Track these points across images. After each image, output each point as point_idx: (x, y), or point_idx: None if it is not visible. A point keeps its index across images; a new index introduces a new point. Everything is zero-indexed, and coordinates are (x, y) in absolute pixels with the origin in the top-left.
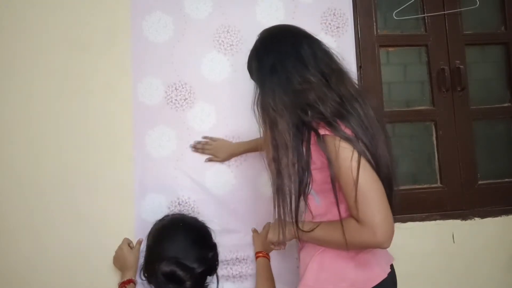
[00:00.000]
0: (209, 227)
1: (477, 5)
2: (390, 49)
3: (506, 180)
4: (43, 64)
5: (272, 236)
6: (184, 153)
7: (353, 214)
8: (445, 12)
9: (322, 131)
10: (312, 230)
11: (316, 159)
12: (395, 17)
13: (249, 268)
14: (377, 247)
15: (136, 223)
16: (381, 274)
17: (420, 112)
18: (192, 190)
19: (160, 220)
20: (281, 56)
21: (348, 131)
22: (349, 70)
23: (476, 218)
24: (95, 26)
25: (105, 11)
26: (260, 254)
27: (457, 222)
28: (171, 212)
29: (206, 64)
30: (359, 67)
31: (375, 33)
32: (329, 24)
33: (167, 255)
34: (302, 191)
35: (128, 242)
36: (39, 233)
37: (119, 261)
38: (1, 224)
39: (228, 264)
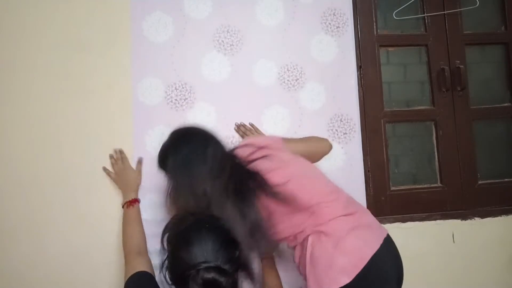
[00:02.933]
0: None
1: (477, 5)
2: (390, 49)
3: (506, 180)
4: (43, 64)
5: None
6: None
7: None
8: (445, 12)
9: None
10: None
11: None
12: (395, 17)
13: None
14: None
15: None
16: (368, 253)
17: (420, 112)
18: None
19: (178, 222)
20: (188, 159)
21: None
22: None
23: (476, 218)
24: (95, 26)
25: (105, 11)
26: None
27: (457, 222)
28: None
29: (206, 64)
30: (359, 67)
31: (375, 33)
32: (329, 24)
33: (198, 260)
34: None
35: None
36: (39, 233)
37: (123, 181)
38: (2, 223)
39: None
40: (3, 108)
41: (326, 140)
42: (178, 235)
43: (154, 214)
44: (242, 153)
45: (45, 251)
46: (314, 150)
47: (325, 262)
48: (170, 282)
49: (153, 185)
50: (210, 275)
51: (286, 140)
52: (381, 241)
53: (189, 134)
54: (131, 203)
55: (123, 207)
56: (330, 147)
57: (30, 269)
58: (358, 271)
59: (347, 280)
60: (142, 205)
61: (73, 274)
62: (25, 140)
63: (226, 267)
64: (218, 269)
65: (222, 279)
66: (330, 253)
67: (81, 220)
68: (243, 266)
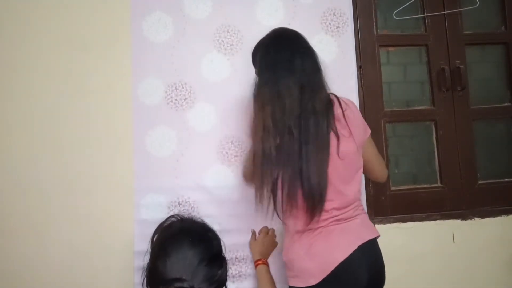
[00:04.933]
0: (218, 237)
1: (477, 5)
2: (390, 49)
3: (506, 180)
4: (44, 64)
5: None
6: (184, 153)
7: None
8: (445, 12)
9: None
10: None
11: None
12: (395, 17)
13: (249, 267)
14: None
15: (136, 223)
16: (337, 258)
17: (420, 112)
18: (192, 190)
19: (166, 227)
20: (277, 60)
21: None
22: (327, 85)
23: (476, 218)
24: (95, 26)
25: (105, 11)
26: (260, 262)
27: (457, 222)
28: (177, 213)
29: (206, 64)
30: (359, 67)
31: (375, 33)
32: (329, 24)
33: (172, 275)
34: None
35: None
36: (39, 233)
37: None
38: (2, 224)
39: (227, 263)
40: (3, 108)
41: (387, 171)
42: (160, 243)
43: (153, 214)
44: (336, 109)
45: (45, 252)
46: (377, 168)
47: (299, 265)
48: None
49: (152, 185)
50: None
51: (370, 140)
52: (355, 247)
53: (284, 37)
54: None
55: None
56: (385, 179)
57: (30, 269)
58: (325, 275)
59: (313, 282)
60: (142, 205)
61: (73, 274)
62: (25, 140)
63: (201, 286)
64: None
65: None
66: (301, 257)
67: (81, 220)
68: (221, 285)
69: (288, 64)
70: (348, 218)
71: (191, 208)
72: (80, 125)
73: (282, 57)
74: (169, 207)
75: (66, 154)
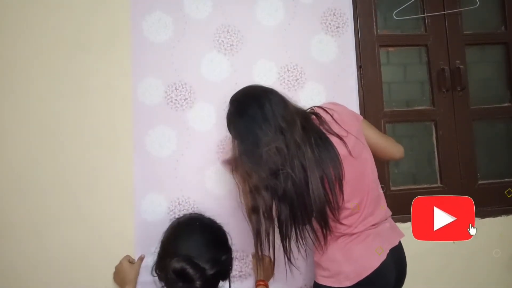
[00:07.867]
0: (226, 231)
1: (477, 5)
2: (390, 49)
3: (506, 180)
4: (43, 64)
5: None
6: (184, 153)
7: None
8: (445, 12)
9: None
10: None
11: None
12: (395, 17)
13: (249, 267)
14: None
15: (135, 223)
16: (374, 264)
17: (420, 112)
18: (192, 190)
19: (177, 218)
20: (249, 122)
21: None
22: (300, 107)
23: (476, 218)
24: (95, 26)
25: (105, 11)
26: (262, 283)
27: None
28: (188, 212)
29: (206, 64)
30: (359, 67)
31: (375, 33)
32: (329, 24)
33: (179, 252)
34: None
35: (128, 259)
36: (39, 233)
37: (119, 276)
38: (2, 223)
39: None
40: (3, 108)
41: (401, 147)
42: (170, 229)
43: (154, 214)
44: (325, 116)
45: (45, 252)
46: (387, 146)
47: (336, 268)
48: (155, 274)
49: (152, 185)
50: (179, 265)
51: (366, 124)
52: (387, 251)
53: (243, 101)
54: None
55: None
56: (402, 155)
57: (30, 269)
58: (360, 278)
59: (348, 284)
60: (142, 205)
61: (73, 274)
62: (25, 140)
63: (205, 265)
64: (190, 262)
65: (191, 271)
66: (339, 261)
67: (81, 220)
68: (224, 273)
69: (261, 114)
70: (380, 221)
71: (191, 208)
72: (80, 125)
73: (252, 114)
74: (169, 207)
75: (66, 154)
